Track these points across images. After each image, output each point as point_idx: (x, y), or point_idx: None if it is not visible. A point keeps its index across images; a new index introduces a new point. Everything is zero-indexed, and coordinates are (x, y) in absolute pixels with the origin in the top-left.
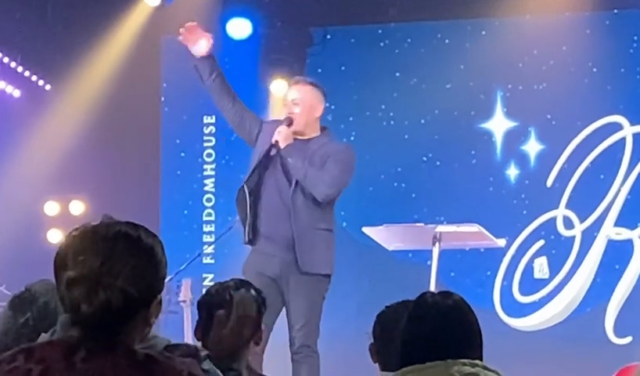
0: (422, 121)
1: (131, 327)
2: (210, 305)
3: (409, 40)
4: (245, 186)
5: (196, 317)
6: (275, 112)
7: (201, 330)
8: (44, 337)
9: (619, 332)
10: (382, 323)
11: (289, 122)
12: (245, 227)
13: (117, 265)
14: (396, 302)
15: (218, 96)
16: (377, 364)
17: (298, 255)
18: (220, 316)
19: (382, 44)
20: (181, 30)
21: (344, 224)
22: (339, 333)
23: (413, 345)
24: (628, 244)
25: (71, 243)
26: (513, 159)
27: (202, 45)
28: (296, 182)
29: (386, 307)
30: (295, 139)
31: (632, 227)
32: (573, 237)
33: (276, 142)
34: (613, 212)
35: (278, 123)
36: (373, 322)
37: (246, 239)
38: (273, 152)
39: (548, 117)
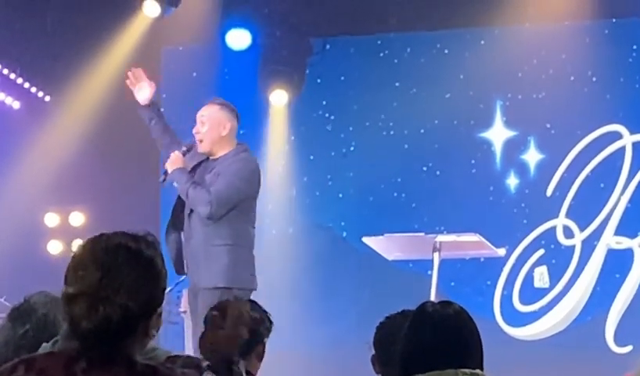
0: (422, 131)
1: (132, 339)
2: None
3: (409, 50)
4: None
5: (197, 328)
6: (275, 122)
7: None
8: (45, 347)
9: (619, 341)
10: (383, 334)
11: (189, 148)
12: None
13: (117, 279)
14: (396, 312)
15: (156, 137)
16: (379, 375)
17: (190, 271)
18: (214, 317)
19: (381, 54)
20: (128, 73)
21: (344, 234)
22: (339, 341)
23: (413, 354)
24: (628, 253)
25: (74, 257)
26: (513, 168)
27: (144, 94)
28: None
29: (387, 317)
30: (207, 159)
31: (632, 236)
32: (573, 246)
33: (165, 170)
34: (612, 221)
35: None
36: (374, 332)
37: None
38: (161, 178)
39: (548, 126)
